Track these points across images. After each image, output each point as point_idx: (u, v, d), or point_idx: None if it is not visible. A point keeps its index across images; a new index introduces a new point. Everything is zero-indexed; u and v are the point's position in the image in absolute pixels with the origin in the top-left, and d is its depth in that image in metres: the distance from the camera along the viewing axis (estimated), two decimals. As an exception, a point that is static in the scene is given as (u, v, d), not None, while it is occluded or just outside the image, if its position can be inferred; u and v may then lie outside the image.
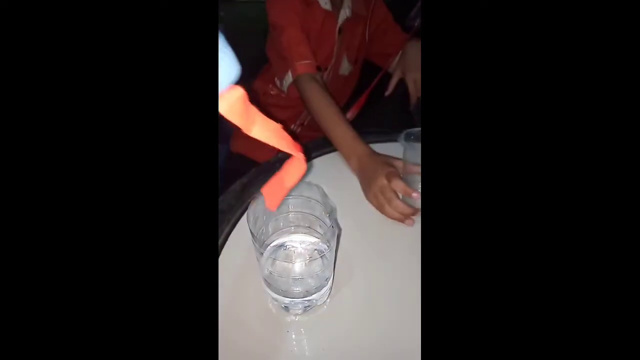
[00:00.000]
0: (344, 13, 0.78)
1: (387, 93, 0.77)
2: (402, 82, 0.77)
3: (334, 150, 0.63)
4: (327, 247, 0.36)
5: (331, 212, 0.38)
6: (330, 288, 0.40)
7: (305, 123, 0.92)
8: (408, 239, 0.48)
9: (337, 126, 0.61)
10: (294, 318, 0.38)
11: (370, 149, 0.58)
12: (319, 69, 0.73)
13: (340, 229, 0.46)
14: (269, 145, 0.26)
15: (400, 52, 0.81)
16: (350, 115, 0.85)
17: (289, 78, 0.76)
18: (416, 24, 0.84)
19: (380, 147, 0.59)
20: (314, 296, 0.38)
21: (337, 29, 0.79)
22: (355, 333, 0.37)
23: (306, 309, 0.38)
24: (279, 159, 0.63)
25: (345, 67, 0.88)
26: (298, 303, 0.38)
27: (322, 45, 0.80)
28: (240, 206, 0.51)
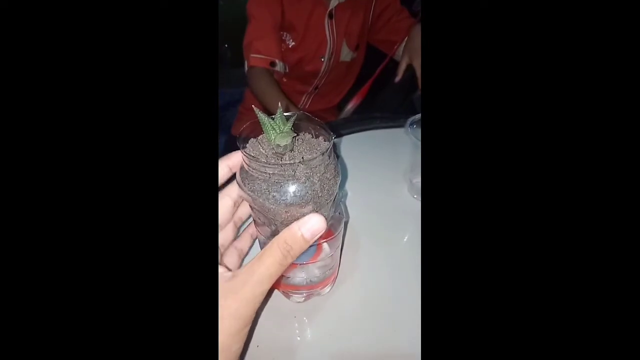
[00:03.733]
0: None
1: (397, 79, 0.76)
2: (408, 68, 0.75)
3: (341, 136, 0.62)
4: (333, 234, 0.35)
5: (340, 199, 0.36)
6: (336, 276, 0.39)
7: (316, 92, 0.93)
8: (414, 230, 0.47)
9: None
10: (297, 306, 0.37)
11: None
12: (272, 64, 0.77)
13: (348, 217, 0.45)
14: None
15: (407, 37, 0.79)
16: (353, 104, 0.83)
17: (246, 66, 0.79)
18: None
19: (385, 133, 0.58)
20: (318, 284, 0.37)
21: (327, 14, 0.77)
22: (359, 321, 0.36)
23: (310, 296, 0.37)
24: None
25: (345, 54, 0.86)
26: (302, 290, 0.37)
27: (311, 32, 0.80)
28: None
